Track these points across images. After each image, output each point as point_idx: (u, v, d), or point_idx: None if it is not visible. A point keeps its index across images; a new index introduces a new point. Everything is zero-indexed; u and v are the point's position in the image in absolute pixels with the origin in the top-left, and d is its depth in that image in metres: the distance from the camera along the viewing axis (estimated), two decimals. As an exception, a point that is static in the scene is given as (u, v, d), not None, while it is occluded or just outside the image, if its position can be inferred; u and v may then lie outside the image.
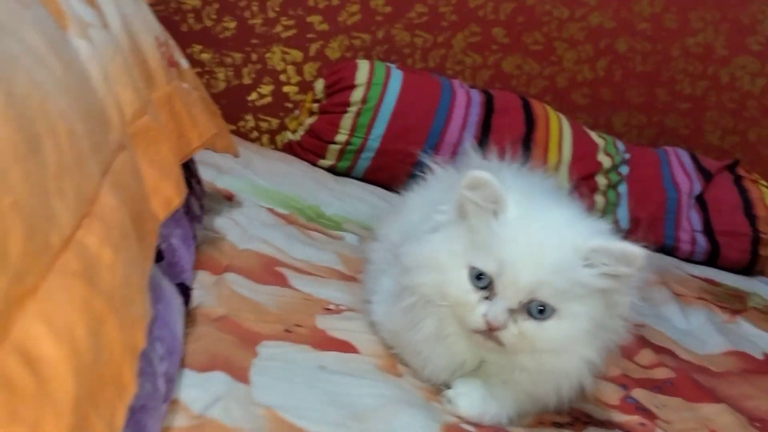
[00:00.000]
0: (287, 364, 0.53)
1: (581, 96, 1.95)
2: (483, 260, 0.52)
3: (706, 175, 1.76)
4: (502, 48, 1.89)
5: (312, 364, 0.55)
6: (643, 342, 0.93)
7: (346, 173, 1.61)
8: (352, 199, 1.38)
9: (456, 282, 0.53)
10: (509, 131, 1.64)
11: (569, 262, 0.51)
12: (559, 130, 1.71)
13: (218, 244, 0.75)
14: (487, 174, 0.54)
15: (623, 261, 0.51)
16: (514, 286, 0.51)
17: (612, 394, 0.69)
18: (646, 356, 0.86)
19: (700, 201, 1.71)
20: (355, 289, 0.74)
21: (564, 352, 0.52)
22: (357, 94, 1.59)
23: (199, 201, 0.79)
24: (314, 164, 1.61)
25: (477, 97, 1.67)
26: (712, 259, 1.68)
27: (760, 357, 1.01)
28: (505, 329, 0.51)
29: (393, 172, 1.59)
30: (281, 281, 0.72)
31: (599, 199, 1.67)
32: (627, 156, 1.75)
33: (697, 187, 1.72)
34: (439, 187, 0.69)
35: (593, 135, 1.76)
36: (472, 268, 0.53)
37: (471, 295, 0.52)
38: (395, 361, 0.60)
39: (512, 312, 0.52)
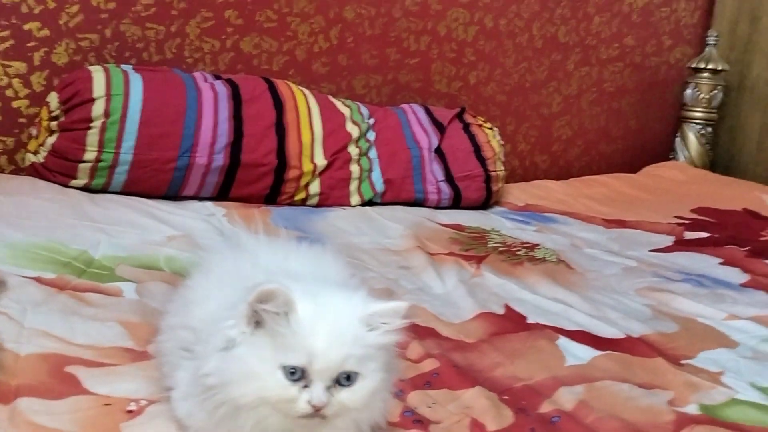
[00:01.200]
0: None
1: (321, 65, 2.04)
2: (292, 357, 0.61)
3: (440, 128, 1.96)
4: (238, 30, 1.91)
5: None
6: (411, 330, 1.07)
7: (103, 190, 1.57)
8: (117, 226, 1.37)
9: (274, 383, 0.61)
10: (261, 120, 1.70)
11: (359, 332, 0.62)
12: (307, 108, 1.80)
13: (-2, 359, 0.74)
14: (274, 286, 0.61)
15: (394, 315, 0.63)
16: (327, 369, 0.60)
17: (393, 409, 0.82)
18: (414, 349, 1.00)
19: (439, 153, 1.91)
20: (149, 371, 0.78)
21: (369, 404, 0.64)
22: (98, 108, 1.54)
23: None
24: (66, 185, 1.55)
25: (223, 90, 1.69)
26: (456, 203, 1.91)
27: (501, 311, 1.21)
28: (327, 405, 0.61)
29: (153, 181, 1.59)
30: (75, 387, 0.74)
31: (354, 168, 1.80)
32: (371, 121, 1.89)
33: (435, 141, 1.92)
34: (219, 273, 0.75)
35: (338, 104, 1.87)
36: (285, 367, 0.61)
37: (291, 389, 0.61)
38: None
39: (328, 388, 0.61)
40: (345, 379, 0.63)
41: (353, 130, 1.83)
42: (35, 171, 1.58)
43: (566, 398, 0.91)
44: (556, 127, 2.51)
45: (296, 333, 0.61)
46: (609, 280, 1.45)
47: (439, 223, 1.73)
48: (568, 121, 2.52)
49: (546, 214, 1.97)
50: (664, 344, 1.13)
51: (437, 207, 1.88)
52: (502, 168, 1.98)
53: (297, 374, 0.61)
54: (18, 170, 1.66)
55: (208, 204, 1.62)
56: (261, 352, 0.62)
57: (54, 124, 1.57)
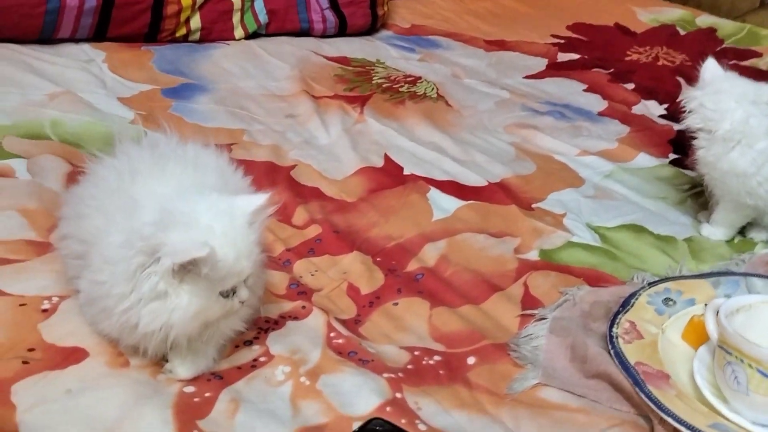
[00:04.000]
0: (45, 404, 0.70)
1: None
2: (226, 283, 0.72)
3: (323, -46, 1.91)
4: None
5: (60, 393, 0.72)
6: (296, 194, 1.18)
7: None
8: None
9: (218, 307, 0.73)
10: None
11: (253, 236, 0.74)
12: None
13: None
14: (201, 254, 0.69)
15: (264, 209, 0.75)
16: (246, 276, 0.73)
17: (280, 282, 0.95)
18: (300, 215, 1.12)
19: (324, -21, 1.89)
20: (56, 265, 0.87)
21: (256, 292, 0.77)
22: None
23: None
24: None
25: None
26: (342, 30, 1.93)
27: (380, 163, 1.33)
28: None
29: (23, 26, 1.54)
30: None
31: (236, 0, 1.78)
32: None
33: (319, -33, 1.89)
34: (105, 185, 0.82)
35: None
36: (221, 292, 0.72)
37: (230, 302, 0.74)
38: (118, 349, 0.78)
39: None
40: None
41: (234, -39, 1.77)
42: None
43: (430, 255, 1.07)
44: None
45: (216, 268, 0.71)
46: (482, 117, 1.57)
47: (325, 57, 1.77)
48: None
49: (431, 37, 2.02)
50: (520, 188, 1.29)
51: (323, 36, 1.90)
52: (389, -12, 1.99)
53: (229, 290, 0.74)
54: None
55: (86, 47, 1.59)
56: (200, 292, 0.71)
57: None
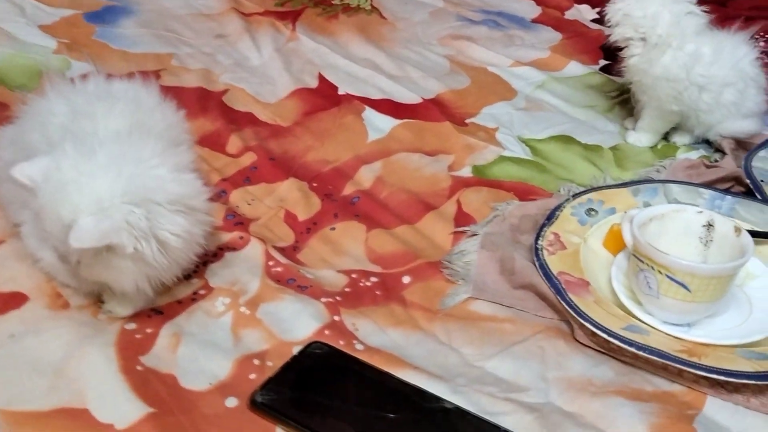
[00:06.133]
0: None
1: None
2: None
3: None
4: None
5: (4, 338, 0.73)
6: (229, 121, 1.18)
7: None
8: None
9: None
10: None
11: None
12: None
13: None
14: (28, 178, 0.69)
15: None
16: None
17: (217, 214, 0.96)
18: (234, 143, 1.12)
19: None
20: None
21: None
22: None
23: None
24: None
25: None
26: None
27: (315, 83, 1.32)
28: None
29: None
30: None
31: None
32: None
33: None
34: (30, 123, 0.81)
35: None
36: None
37: None
38: (57, 291, 0.80)
39: None
40: None
41: None
42: None
43: (366, 177, 1.09)
44: None
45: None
46: (416, 29, 1.56)
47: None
48: None
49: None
50: (454, 103, 1.31)
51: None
52: None
53: None
54: None
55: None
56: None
57: None
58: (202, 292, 0.85)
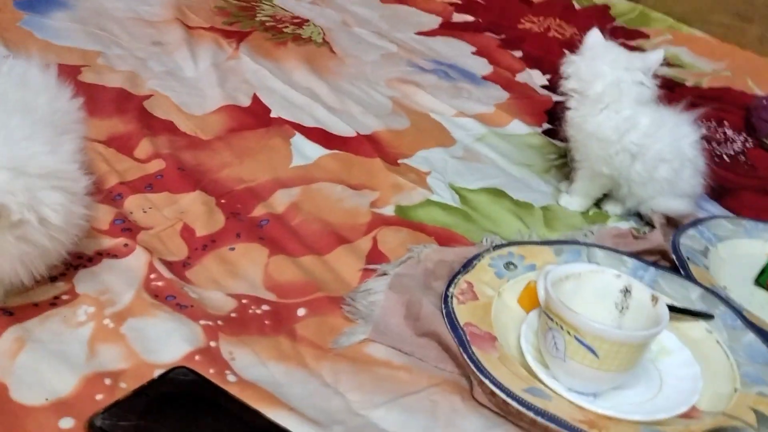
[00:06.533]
0: None
1: None
2: None
3: None
4: None
5: None
6: (145, 126, 1.10)
7: None
8: None
9: None
10: None
11: None
12: None
13: None
14: None
15: None
16: None
17: (104, 217, 0.87)
18: (144, 148, 1.04)
19: None
20: None
21: None
22: None
23: None
24: None
25: None
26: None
27: (247, 103, 1.25)
28: None
29: None
30: None
31: None
32: None
33: None
34: None
35: None
36: None
37: None
38: None
39: None
40: None
41: None
42: None
43: (281, 201, 1.01)
44: None
45: None
46: (365, 68, 1.52)
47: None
48: None
49: (325, -22, 1.94)
50: (389, 142, 1.25)
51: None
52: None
53: None
54: None
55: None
56: None
57: None
58: (65, 297, 0.75)
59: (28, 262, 0.68)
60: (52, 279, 0.76)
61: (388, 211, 1.06)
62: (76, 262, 0.79)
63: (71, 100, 0.83)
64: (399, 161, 1.21)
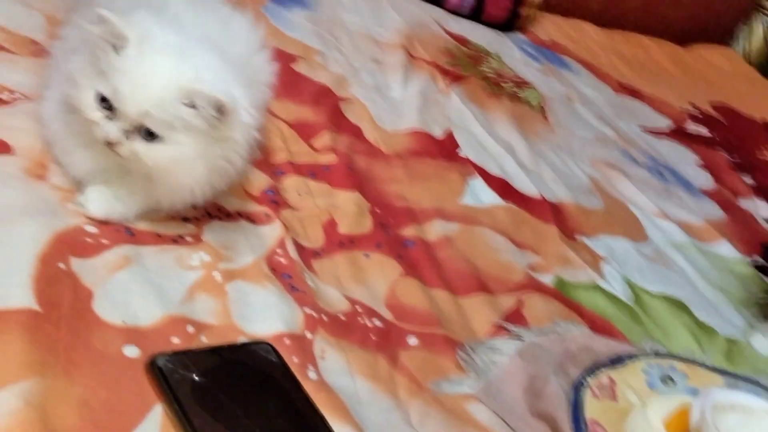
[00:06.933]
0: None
1: None
2: (104, 86, 0.63)
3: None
4: None
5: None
6: (331, 122, 1.08)
7: None
8: None
9: (85, 100, 0.64)
10: None
11: (170, 99, 0.63)
12: None
13: None
14: (109, 13, 0.62)
15: (214, 107, 0.63)
16: (125, 113, 0.63)
17: (259, 184, 0.85)
18: (323, 140, 1.02)
19: (476, -43, 1.80)
20: (42, 70, 0.80)
21: (172, 172, 0.66)
22: None
23: None
24: None
25: None
26: (476, 14, 1.83)
27: (441, 135, 1.21)
28: (120, 145, 0.64)
29: None
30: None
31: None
32: None
33: (475, -56, 1.80)
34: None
35: None
36: (96, 92, 0.63)
37: (95, 113, 0.64)
38: (48, 161, 0.71)
39: (127, 132, 0.64)
40: (147, 135, 0.64)
41: None
42: None
43: (435, 230, 0.94)
44: (622, -30, 2.31)
45: (114, 67, 0.63)
46: (574, 142, 1.43)
47: (445, 30, 1.67)
48: (638, -31, 2.32)
49: (564, 57, 1.89)
50: (573, 216, 1.14)
51: (455, 12, 1.81)
52: (541, -6, 1.88)
53: (107, 104, 0.64)
54: None
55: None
56: (86, 68, 0.64)
57: None
58: (188, 239, 0.73)
59: (213, 180, 0.69)
60: (185, 219, 0.74)
61: (547, 279, 0.95)
62: (214, 212, 0.77)
63: (267, 62, 0.83)
64: (576, 237, 1.09)
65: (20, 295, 0.56)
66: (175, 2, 0.75)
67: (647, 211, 1.27)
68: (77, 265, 0.62)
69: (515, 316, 0.85)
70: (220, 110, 0.64)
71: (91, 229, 0.67)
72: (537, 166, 1.26)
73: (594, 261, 1.04)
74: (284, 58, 1.20)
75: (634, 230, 1.19)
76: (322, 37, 1.37)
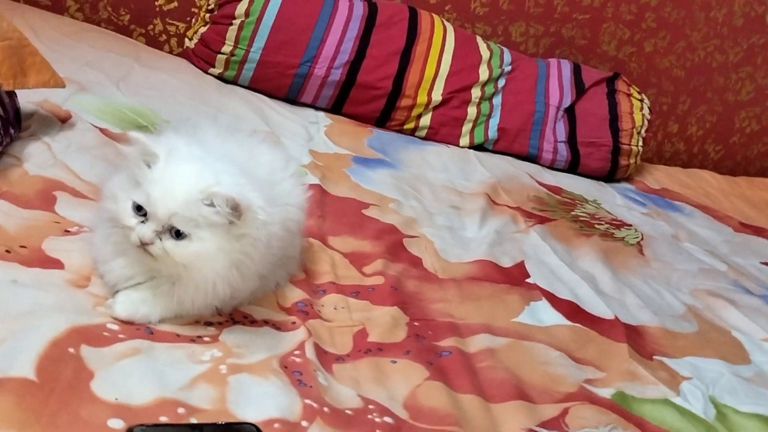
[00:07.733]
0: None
1: (480, 6, 2.04)
2: (138, 195, 0.73)
3: (580, 88, 1.89)
4: (405, -41, 1.96)
5: (6, 279, 0.75)
6: (389, 253, 1.11)
7: (234, 82, 1.76)
8: (221, 112, 1.52)
9: (123, 210, 0.74)
10: (388, 45, 1.77)
11: (194, 200, 0.71)
12: (441, 43, 1.84)
13: (8, 171, 0.94)
14: (139, 134, 0.73)
15: (230, 206, 0.71)
16: (156, 215, 0.72)
17: (291, 296, 0.89)
18: (375, 266, 1.05)
19: (570, 113, 1.85)
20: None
21: (197, 267, 0.73)
22: (241, 8, 1.73)
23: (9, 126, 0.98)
24: (206, 72, 1.76)
25: (359, 10, 1.79)
26: (573, 167, 1.85)
27: (507, 265, 1.19)
28: (152, 245, 0.72)
29: (275, 82, 1.75)
30: (47, 205, 0.91)
31: (472, 110, 1.82)
32: (508, 68, 1.88)
33: (568, 100, 1.86)
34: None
35: (482, 46, 1.88)
36: (133, 202, 0.73)
37: (131, 219, 0.74)
38: (92, 275, 0.80)
39: (159, 233, 0.72)
40: (176, 234, 0.72)
41: (483, 73, 1.84)
42: (187, 55, 1.81)
43: (477, 343, 0.91)
44: (740, 117, 2.27)
45: (146, 179, 0.73)
46: (672, 275, 1.35)
47: (538, 182, 1.69)
48: (756, 114, 2.27)
49: (676, 202, 1.84)
50: (655, 338, 1.06)
51: (551, 167, 1.84)
52: (640, 143, 1.88)
53: (142, 212, 0.73)
54: (183, 53, 1.90)
55: (321, 114, 1.73)
56: (124, 184, 0.75)
57: (208, 16, 1.78)
58: (206, 339, 0.77)
59: (233, 275, 0.75)
60: (207, 323, 0.79)
61: (604, 392, 0.88)
62: (239, 318, 0.81)
63: (296, 186, 0.90)
64: (654, 357, 1.01)
65: (22, 367, 0.62)
66: (203, 130, 0.86)
67: (755, 336, 1.16)
68: (87, 351, 0.68)
69: (554, 424, 0.78)
70: (235, 208, 0.71)
71: (113, 326, 0.73)
72: (619, 292, 1.20)
73: (673, 380, 0.95)
74: (355, 206, 1.27)
75: (731, 353, 1.08)
76: (402, 189, 1.43)
